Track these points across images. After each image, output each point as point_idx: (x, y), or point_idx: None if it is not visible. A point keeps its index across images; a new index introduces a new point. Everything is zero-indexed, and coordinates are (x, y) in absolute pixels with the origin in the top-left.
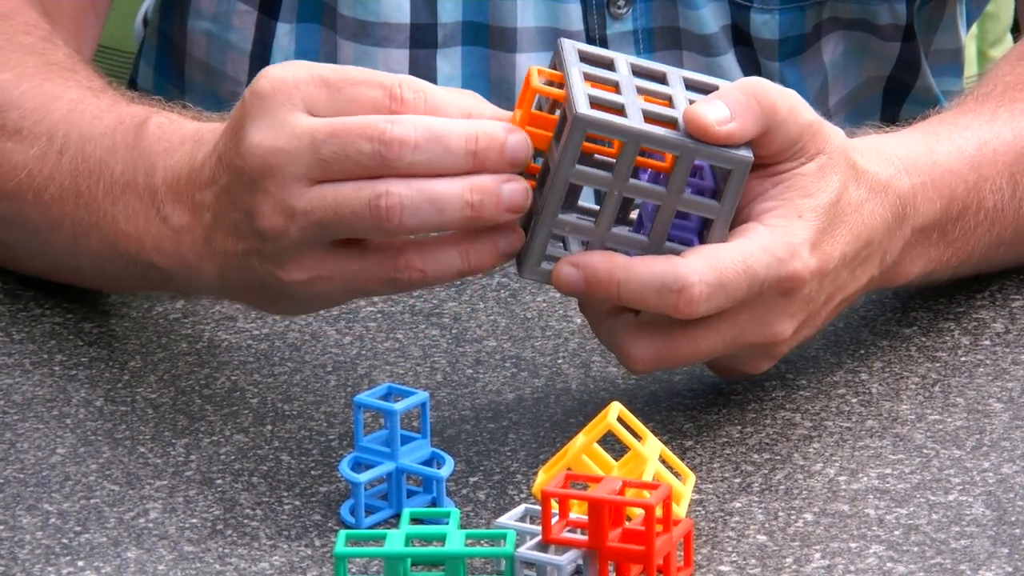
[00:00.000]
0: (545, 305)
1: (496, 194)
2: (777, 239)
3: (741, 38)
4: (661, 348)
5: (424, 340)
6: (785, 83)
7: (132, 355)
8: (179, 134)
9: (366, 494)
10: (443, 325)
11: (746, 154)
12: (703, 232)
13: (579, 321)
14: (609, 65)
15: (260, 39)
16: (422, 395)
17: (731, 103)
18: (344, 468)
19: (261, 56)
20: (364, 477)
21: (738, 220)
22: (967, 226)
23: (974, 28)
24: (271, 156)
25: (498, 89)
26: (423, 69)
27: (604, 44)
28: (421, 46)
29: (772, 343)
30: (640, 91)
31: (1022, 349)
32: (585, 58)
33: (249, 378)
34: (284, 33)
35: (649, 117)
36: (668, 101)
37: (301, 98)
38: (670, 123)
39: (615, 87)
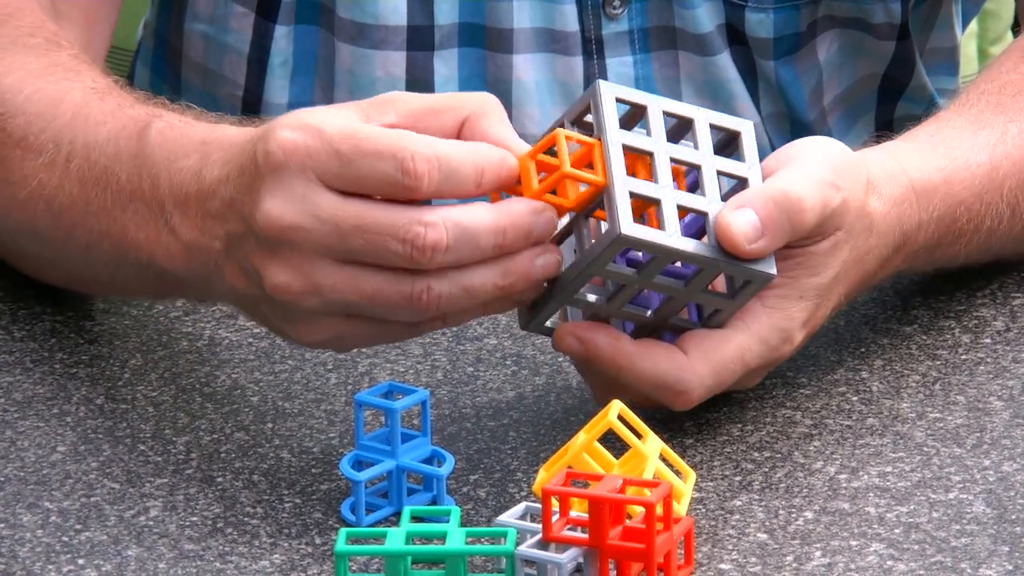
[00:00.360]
0: None
1: (528, 272)
2: (774, 326)
3: (736, 37)
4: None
5: (424, 338)
6: (780, 82)
7: (133, 353)
8: (182, 144)
9: (367, 492)
10: None
11: (770, 271)
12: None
13: None
14: (642, 114)
15: (258, 41)
16: (422, 393)
17: (763, 215)
18: (344, 466)
19: (259, 58)
20: (364, 475)
21: None
22: (957, 248)
23: (974, 26)
24: (291, 231)
25: (495, 90)
26: (420, 71)
27: (599, 44)
28: (418, 48)
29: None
30: (673, 161)
31: (1022, 347)
32: (621, 102)
33: (250, 376)
34: (282, 35)
35: (683, 209)
36: (698, 171)
37: (314, 168)
38: (700, 213)
39: (650, 156)
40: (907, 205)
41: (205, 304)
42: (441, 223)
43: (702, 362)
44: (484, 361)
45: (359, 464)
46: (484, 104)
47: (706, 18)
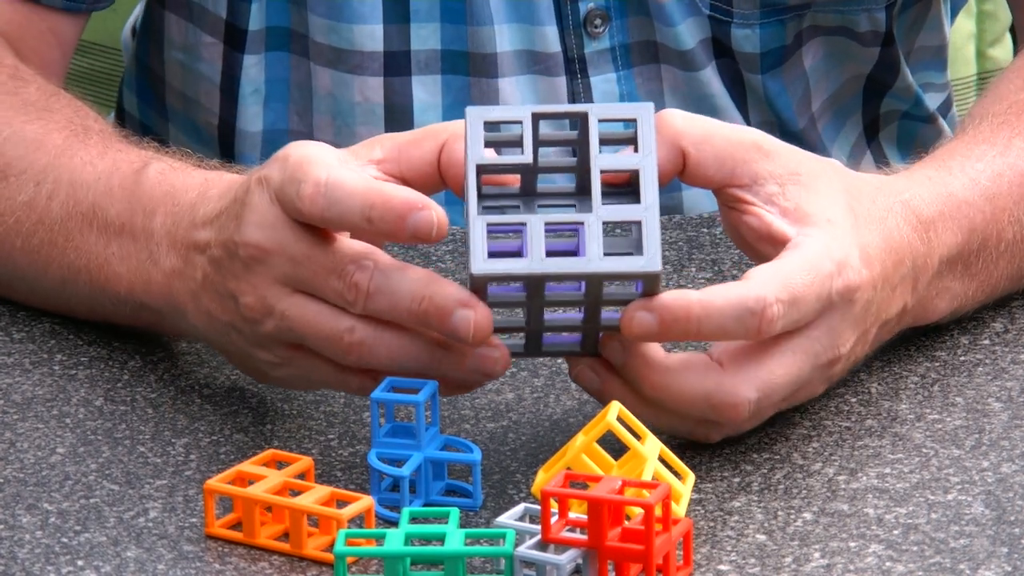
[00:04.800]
0: None
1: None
2: (829, 242)
3: (722, 50)
4: (758, 381)
5: None
6: (768, 94)
7: (132, 354)
8: (183, 181)
9: (382, 488)
10: None
11: (653, 269)
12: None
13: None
14: (516, 136)
15: (227, 71)
16: (432, 384)
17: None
18: (379, 463)
19: (229, 88)
20: (406, 469)
21: (765, 242)
22: (989, 258)
23: (973, 27)
24: (261, 253)
25: None
26: (398, 96)
27: (583, 63)
28: (395, 74)
29: (836, 359)
30: (544, 168)
31: (1021, 348)
32: (491, 128)
33: (248, 377)
34: (252, 64)
35: (550, 222)
36: (576, 165)
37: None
38: (575, 224)
39: (521, 169)
40: (909, 195)
41: (177, 339)
42: (371, 264)
43: (771, 277)
44: None
45: (379, 461)
46: (460, 127)
47: (688, 35)
